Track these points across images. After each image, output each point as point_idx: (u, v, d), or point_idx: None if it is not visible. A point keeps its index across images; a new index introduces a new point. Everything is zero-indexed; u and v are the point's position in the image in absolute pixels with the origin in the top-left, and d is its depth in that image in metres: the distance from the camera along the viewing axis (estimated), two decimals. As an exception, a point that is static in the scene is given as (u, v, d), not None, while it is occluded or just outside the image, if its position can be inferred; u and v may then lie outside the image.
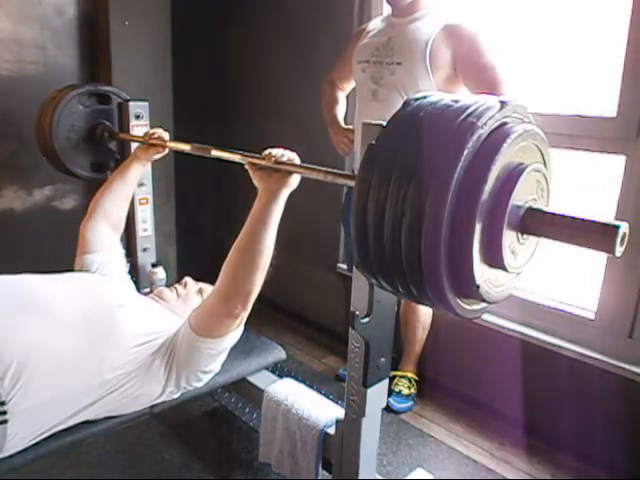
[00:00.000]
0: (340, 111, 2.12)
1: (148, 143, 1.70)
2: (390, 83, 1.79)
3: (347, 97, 2.17)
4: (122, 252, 1.69)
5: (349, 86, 2.13)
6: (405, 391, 2.11)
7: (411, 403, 2.10)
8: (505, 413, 1.99)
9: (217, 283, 1.28)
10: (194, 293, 1.59)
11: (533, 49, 1.95)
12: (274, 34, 2.72)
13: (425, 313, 2.09)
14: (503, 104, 0.76)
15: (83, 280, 1.47)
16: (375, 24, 1.94)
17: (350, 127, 2.07)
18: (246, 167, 1.30)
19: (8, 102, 2.37)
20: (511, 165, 0.76)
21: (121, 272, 1.63)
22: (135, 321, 1.33)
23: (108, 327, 1.27)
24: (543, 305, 1.92)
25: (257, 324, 2.72)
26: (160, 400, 1.34)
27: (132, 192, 1.77)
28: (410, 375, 2.16)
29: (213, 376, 1.43)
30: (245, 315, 1.29)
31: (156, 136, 1.69)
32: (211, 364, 1.36)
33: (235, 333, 1.34)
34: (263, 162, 1.25)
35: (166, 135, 1.71)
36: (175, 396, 1.38)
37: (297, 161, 1.26)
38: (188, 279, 1.64)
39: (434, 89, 1.74)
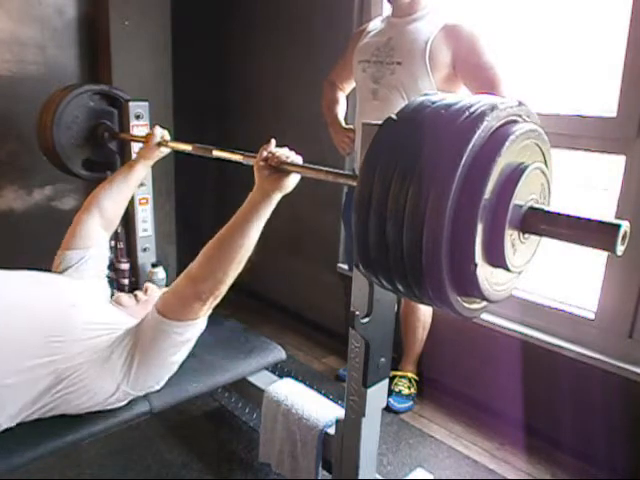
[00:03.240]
0: (340, 111, 2.12)
1: (148, 143, 1.70)
2: (390, 83, 1.79)
3: (347, 97, 2.17)
4: (108, 253, 1.67)
5: (349, 86, 2.13)
6: (405, 391, 2.11)
7: (411, 403, 2.10)
8: (505, 413, 1.99)
9: (190, 265, 1.28)
10: (156, 299, 1.57)
11: (533, 49, 1.95)
12: (274, 34, 2.73)
13: (425, 313, 2.09)
14: (505, 104, 0.76)
15: (37, 279, 1.42)
16: (375, 24, 1.94)
17: (351, 126, 2.07)
18: (253, 164, 1.27)
19: (8, 102, 2.37)
20: (513, 164, 0.76)
21: (99, 272, 1.60)
22: (87, 316, 1.31)
23: (58, 327, 1.25)
24: (543, 305, 1.92)
25: (257, 324, 2.72)
26: (112, 400, 1.28)
27: (131, 193, 1.76)
28: (410, 375, 2.16)
29: (213, 376, 1.42)
30: (212, 304, 1.27)
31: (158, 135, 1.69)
32: (176, 353, 1.33)
33: (201, 321, 1.31)
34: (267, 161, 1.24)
35: (166, 134, 1.71)
36: (124, 403, 1.31)
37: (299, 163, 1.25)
38: (149, 284, 1.62)
39: (434, 89, 1.75)
